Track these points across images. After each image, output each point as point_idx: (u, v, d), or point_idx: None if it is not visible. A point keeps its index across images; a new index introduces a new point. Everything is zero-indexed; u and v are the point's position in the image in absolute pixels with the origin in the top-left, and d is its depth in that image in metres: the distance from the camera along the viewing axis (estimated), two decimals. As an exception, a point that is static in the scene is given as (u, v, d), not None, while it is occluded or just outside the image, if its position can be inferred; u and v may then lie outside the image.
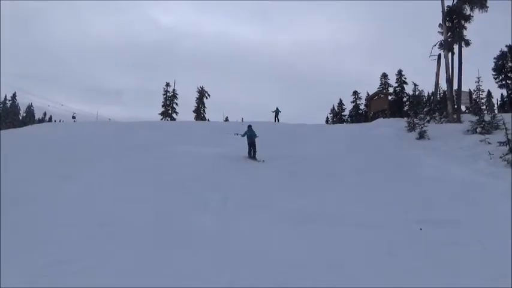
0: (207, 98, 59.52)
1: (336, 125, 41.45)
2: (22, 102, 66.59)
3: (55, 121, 66.70)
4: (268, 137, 19.93)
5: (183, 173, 14.17)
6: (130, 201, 10.71)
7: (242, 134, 17.72)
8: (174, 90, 57.57)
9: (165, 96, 57.45)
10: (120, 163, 15.74)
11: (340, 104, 66.87)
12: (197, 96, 59.20)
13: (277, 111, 30.87)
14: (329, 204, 10.62)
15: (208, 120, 53.28)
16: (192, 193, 11.79)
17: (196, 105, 59.04)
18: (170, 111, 56.50)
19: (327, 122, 65.39)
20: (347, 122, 60.84)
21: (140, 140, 20.42)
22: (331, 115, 66.98)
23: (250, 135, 17.35)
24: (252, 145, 17.14)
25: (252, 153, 17.08)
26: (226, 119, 59.66)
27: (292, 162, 16.08)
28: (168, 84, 57.90)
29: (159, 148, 18.50)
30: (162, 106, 57.10)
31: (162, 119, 54.26)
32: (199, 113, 57.21)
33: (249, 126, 17.81)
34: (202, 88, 58.90)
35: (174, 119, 53.98)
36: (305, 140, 20.89)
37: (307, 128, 25.34)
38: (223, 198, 11.15)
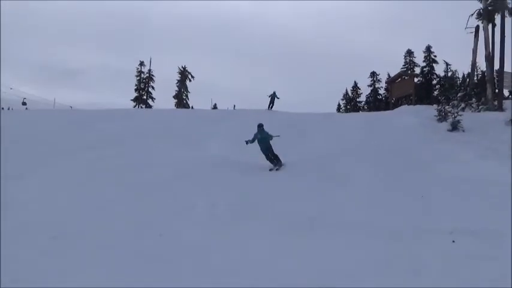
0: (190, 80, 59.76)
1: (349, 113, 41.42)
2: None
3: (3, 109, 66.21)
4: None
5: (160, 173, 14.56)
6: (92, 208, 10.96)
7: (250, 139, 16.36)
8: (149, 70, 57.58)
9: (138, 78, 57.56)
10: (80, 162, 16.08)
11: (355, 87, 66.62)
12: (178, 79, 59.33)
13: (273, 97, 30.65)
14: (339, 210, 10.80)
15: (192, 107, 53.04)
16: (170, 197, 12.08)
17: (177, 89, 59.18)
18: (145, 97, 56.74)
19: (338, 110, 64.96)
20: (363, 109, 60.34)
21: (108, 134, 20.87)
22: (344, 101, 66.29)
23: (261, 138, 16.08)
24: (267, 151, 16.01)
25: (273, 160, 16.13)
26: (215, 106, 59.55)
27: (295, 160, 16.29)
28: (142, 64, 57.78)
29: (130, 143, 18.98)
30: (136, 90, 57.29)
31: (135, 106, 54.45)
32: (181, 98, 57.34)
33: (259, 127, 16.27)
34: (184, 68, 58.66)
35: (151, 106, 54.33)
36: (311, 133, 21.19)
37: (314, 117, 25.47)
38: (211, 203, 11.41)
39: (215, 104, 63.31)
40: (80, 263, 7.37)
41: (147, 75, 57.47)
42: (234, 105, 46.96)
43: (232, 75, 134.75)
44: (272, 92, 31.00)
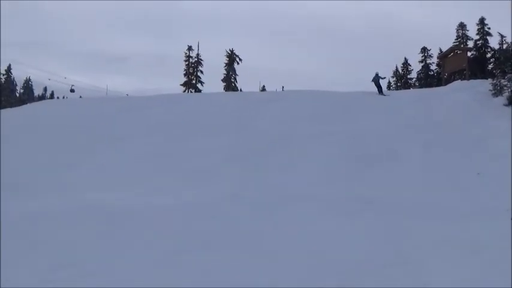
0: (238, 63, 59.05)
1: (400, 90, 40.21)
2: (18, 76, 68.07)
3: (57, 98, 68.55)
4: (311, 111, 20.87)
5: (210, 158, 14.97)
6: (147, 193, 11.26)
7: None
8: (198, 55, 57.36)
9: (187, 63, 57.32)
10: (140, 148, 16.75)
11: (406, 64, 64.57)
12: (226, 62, 58.96)
13: (376, 80, 26.96)
14: (392, 191, 10.74)
15: (240, 90, 53.06)
16: (224, 183, 12.30)
17: (225, 72, 58.74)
18: (195, 81, 56.87)
19: (389, 87, 63.37)
20: (415, 86, 58.51)
21: (160, 120, 21.16)
22: (394, 79, 64.45)
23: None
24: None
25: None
26: (263, 89, 59.44)
27: (343, 139, 16.24)
28: (190, 48, 57.58)
29: (182, 130, 19.30)
30: (185, 75, 57.16)
31: (185, 91, 54.52)
32: (230, 82, 57.46)
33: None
34: (232, 51, 58.65)
35: (200, 91, 54.17)
36: (360, 112, 20.78)
37: (362, 96, 24.96)
38: (260, 186, 11.69)
39: (263, 86, 62.69)
40: (135, 248, 7.68)
41: (196, 59, 57.42)
42: (283, 87, 46.59)
43: (279, 57, 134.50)
44: (374, 75, 27.14)
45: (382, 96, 24.57)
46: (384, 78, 27.97)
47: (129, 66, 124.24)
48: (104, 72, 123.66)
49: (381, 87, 26.47)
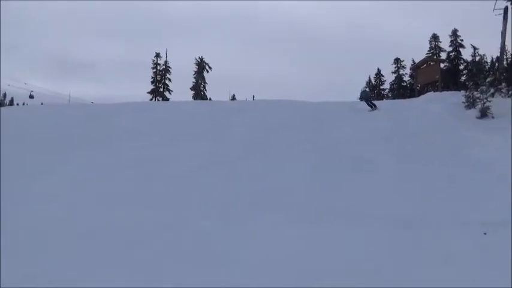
0: (208, 71, 59.75)
1: (374, 101, 40.35)
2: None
3: (17, 104, 67.16)
4: (282, 120, 20.79)
5: (181, 166, 14.78)
6: (118, 203, 11.20)
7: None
8: (166, 62, 57.88)
9: (154, 70, 57.84)
10: (102, 155, 16.40)
11: (378, 75, 65.57)
12: (195, 70, 59.50)
13: (365, 96, 26.84)
14: (363, 199, 10.78)
15: (210, 99, 53.34)
16: (196, 191, 12.17)
17: (194, 80, 59.32)
18: (162, 89, 57.11)
19: (361, 99, 63.71)
20: (387, 97, 59.34)
21: (126, 128, 20.93)
22: (367, 89, 66.04)
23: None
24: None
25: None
26: (233, 98, 59.57)
27: (315, 148, 16.23)
28: (158, 55, 57.99)
29: (151, 136, 19.10)
30: (152, 83, 57.58)
31: (152, 99, 54.82)
32: (199, 90, 57.72)
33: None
34: (201, 59, 58.76)
35: (167, 99, 54.49)
36: (331, 122, 20.83)
37: (333, 106, 24.99)
38: (232, 194, 11.64)
39: (233, 95, 62.81)
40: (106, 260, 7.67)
41: (164, 66, 57.90)
42: (253, 96, 46.75)
43: (249, 65, 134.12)
44: (362, 91, 27.74)
45: (376, 110, 23.66)
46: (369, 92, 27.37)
47: (96, 72, 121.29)
48: (68, 78, 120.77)
49: (372, 103, 24.91)
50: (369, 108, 23.77)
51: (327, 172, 13.41)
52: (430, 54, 53.03)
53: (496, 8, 26.16)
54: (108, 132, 19.82)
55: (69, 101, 49.68)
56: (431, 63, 35.50)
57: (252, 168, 14.04)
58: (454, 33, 55.29)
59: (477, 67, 33.66)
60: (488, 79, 26.00)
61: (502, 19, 26.66)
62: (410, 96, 37.58)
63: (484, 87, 21.92)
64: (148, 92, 56.75)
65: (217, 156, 15.70)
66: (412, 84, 46.17)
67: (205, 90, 59.14)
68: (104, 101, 42.33)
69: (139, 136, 18.92)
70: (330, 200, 10.71)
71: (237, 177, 13.18)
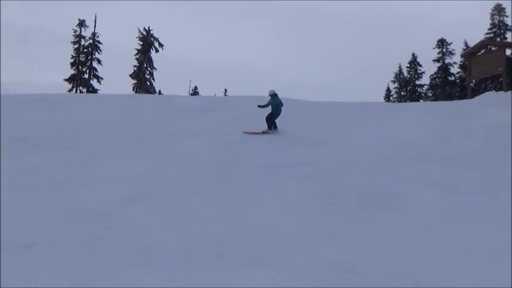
0: (157, 50, 48.29)
1: (404, 104, 36.08)
2: None
3: None
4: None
5: (106, 197, 11.56)
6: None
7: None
8: (94, 34, 46.78)
9: (76, 46, 46.58)
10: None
11: (413, 64, 52.99)
12: (139, 48, 47.97)
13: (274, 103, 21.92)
14: (385, 256, 8.41)
15: (159, 92, 46.41)
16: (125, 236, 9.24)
17: (137, 64, 47.65)
18: (88, 75, 46.33)
19: (387, 97, 55.07)
20: (426, 97, 51.31)
21: (36, 133, 16.87)
22: (396, 85, 54.38)
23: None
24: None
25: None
26: (195, 92, 50.44)
27: (316, 173, 13.42)
28: (82, 23, 46.83)
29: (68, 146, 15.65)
30: (72, 65, 46.36)
31: (71, 90, 45.47)
32: (143, 79, 47.45)
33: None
34: (148, 31, 48.21)
35: (96, 90, 45.32)
36: (342, 133, 17.55)
37: (348, 109, 21.21)
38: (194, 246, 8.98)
39: (195, 88, 53.79)
40: None
41: (91, 41, 46.53)
42: (226, 90, 39.85)
43: (220, 45, 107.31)
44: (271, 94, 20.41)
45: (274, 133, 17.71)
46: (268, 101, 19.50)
47: None
48: None
49: (272, 121, 18.16)
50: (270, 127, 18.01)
51: (331, 210, 10.72)
52: (491, 35, 44.45)
53: None
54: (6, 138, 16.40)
55: None
56: (493, 49, 30.64)
57: (212, 205, 11.10)
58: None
59: None
60: None
61: None
62: (460, 97, 31.95)
63: None
64: (66, 79, 45.74)
65: (155, 184, 12.58)
66: (464, 79, 40.63)
67: (153, 79, 48.16)
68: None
69: (39, 148, 15.50)
70: (332, 254, 8.31)
71: (190, 216, 10.40)
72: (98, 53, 45.93)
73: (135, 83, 46.43)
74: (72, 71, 45.42)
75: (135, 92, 43.99)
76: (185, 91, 48.16)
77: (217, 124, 18.75)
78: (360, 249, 9.14)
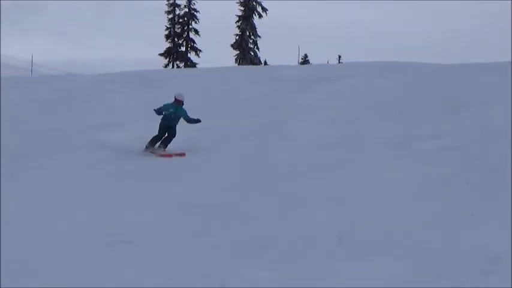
0: (260, 16, 46.83)
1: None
2: None
3: None
4: (388, 102, 15.91)
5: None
6: None
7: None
8: (189, 1, 45.02)
9: (171, 17, 45.15)
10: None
11: None
12: (240, 14, 46.52)
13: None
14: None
15: (265, 63, 44.54)
16: None
17: (238, 33, 46.39)
18: (184, 48, 45.09)
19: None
20: None
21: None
22: None
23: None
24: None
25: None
26: (305, 60, 48.60)
27: (451, 148, 12.20)
28: None
29: None
30: (167, 38, 45.16)
31: (168, 65, 44.64)
32: (246, 49, 46.00)
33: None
34: None
35: (194, 65, 44.03)
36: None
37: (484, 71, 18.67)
38: None
39: (305, 56, 51.98)
40: None
41: (186, 10, 45.04)
42: (339, 57, 38.37)
43: (332, 5, 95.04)
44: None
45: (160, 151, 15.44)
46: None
47: (46, 18, 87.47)
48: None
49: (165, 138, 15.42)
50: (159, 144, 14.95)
51: (461, 196, 9.53)
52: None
53: None
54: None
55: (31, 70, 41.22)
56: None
57: (328, 189, 10.24)
58: None
59: None
60: None
61: None
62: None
63: None
64: (161, 54, 44.96)
65: (265, 167, 11.97)
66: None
67: (257, 48, 46.66)
68: (64, 67, 31.82)
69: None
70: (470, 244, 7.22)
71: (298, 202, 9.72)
72: (195, 22, 44.39)
73: (237, 54, 44.93)
74: (167, 44, 44.05)
75: (238, 64, 42.23)
76: (294, 60, 47.10)
77: (331, 97, 17.70)
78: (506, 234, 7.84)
